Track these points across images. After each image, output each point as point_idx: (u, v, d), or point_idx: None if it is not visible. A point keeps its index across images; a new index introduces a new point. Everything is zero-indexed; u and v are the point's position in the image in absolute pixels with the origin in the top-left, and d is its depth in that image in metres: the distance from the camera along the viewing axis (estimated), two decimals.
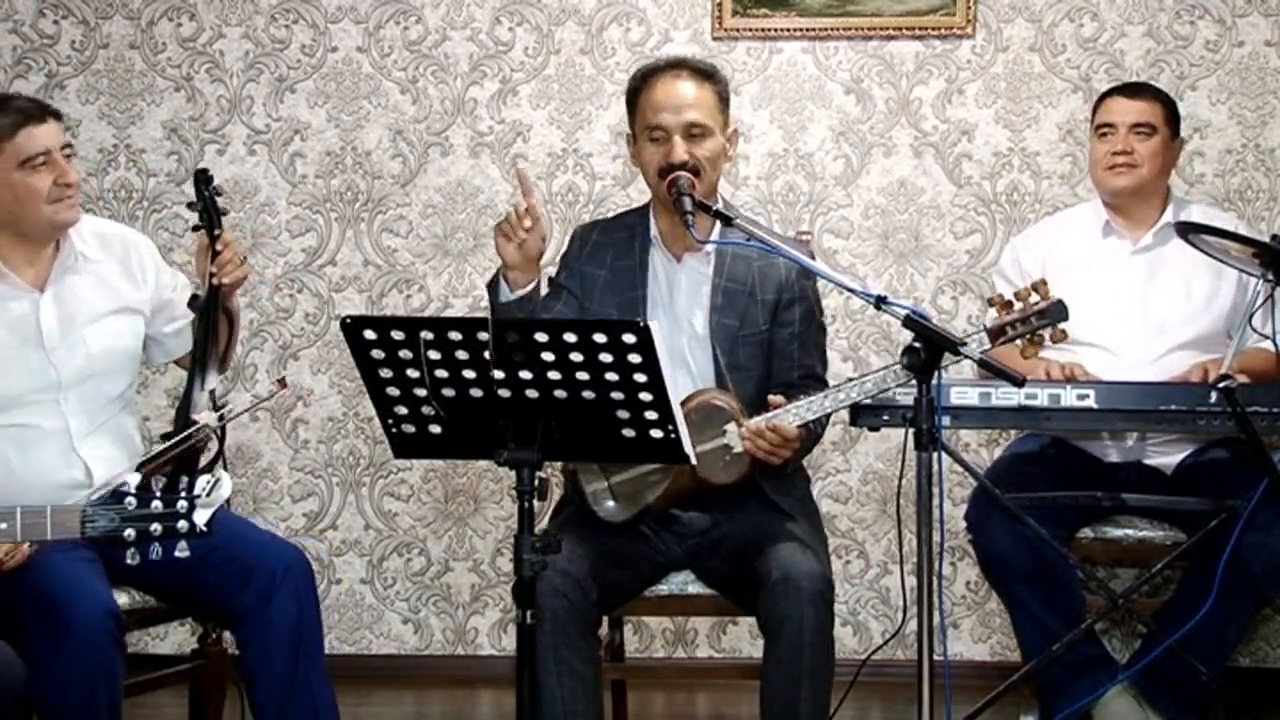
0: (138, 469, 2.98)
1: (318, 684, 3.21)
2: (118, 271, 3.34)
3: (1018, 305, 3.13)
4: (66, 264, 3.26)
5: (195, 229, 3.24)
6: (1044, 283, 3.14)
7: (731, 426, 3.23)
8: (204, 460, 3.18)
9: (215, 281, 3.17)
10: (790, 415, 3.20)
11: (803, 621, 3.08)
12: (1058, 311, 3.12)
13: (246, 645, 3.19)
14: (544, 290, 3.37)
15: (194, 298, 3.23)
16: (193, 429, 3.11)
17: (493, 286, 3.29)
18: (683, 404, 3.02)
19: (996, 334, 3.13)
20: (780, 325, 3.43)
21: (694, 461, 2.81)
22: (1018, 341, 3.13)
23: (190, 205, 3.24)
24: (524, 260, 3.22)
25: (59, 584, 2.95)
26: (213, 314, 3.19)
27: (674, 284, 3.43)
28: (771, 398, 3.25)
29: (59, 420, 3.20)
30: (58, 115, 3.22)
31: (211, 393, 3.23)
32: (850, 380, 3.22)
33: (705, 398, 3.27)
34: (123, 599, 3.18)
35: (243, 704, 3.30)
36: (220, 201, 3.24)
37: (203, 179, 3.20)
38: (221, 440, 3.22)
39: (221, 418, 3.18)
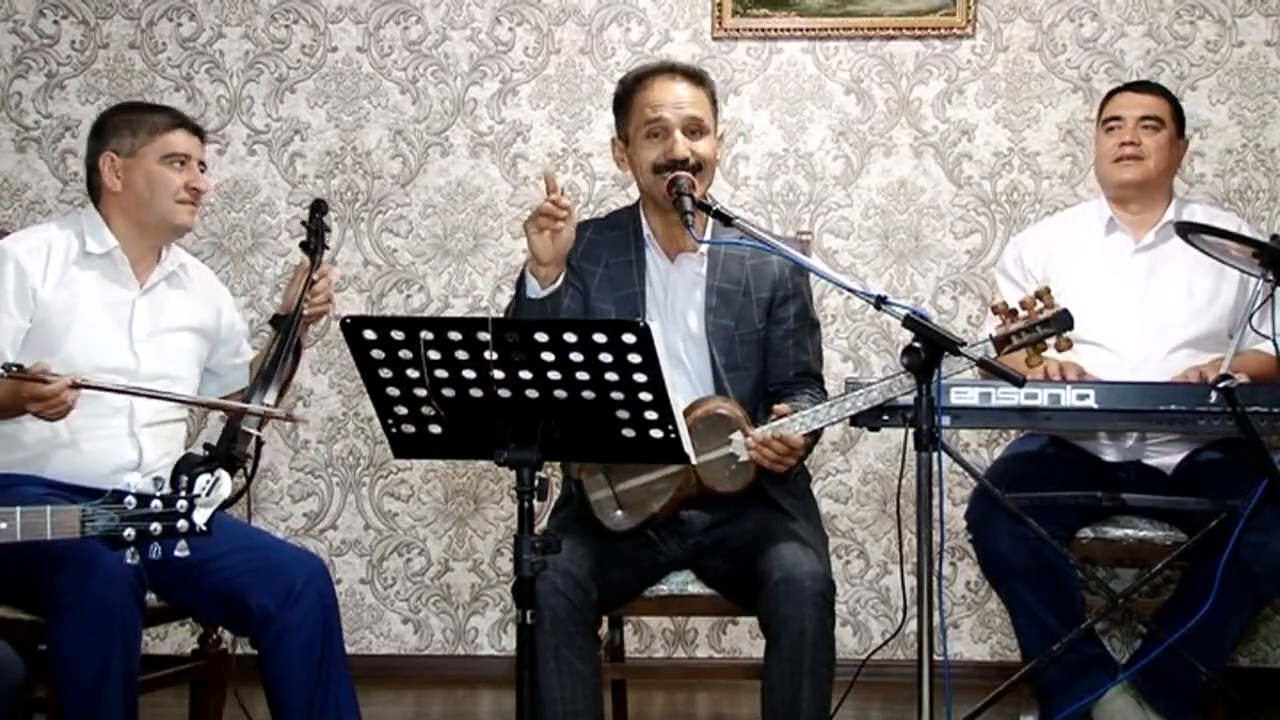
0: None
1: (344, 695, 3.21)
2: (200, 294, 3.55)
3: (1022, 314, 3.13)
4: (167, 269, 3.47)
5: (302, 245, 3.40)
6: (1048, 290, 3.14)
7: (737, 436, 3.23)
8: (243, 471, 3.22)
9: (306, 310, 3.35)
10: (796, 425, 3.20)
11: (804, 622, 3.08)
12: (1063, 320, 3.12)
13: (270, 652, 3.18)
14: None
15: (277, 317, 3.41)
16: (253, 411, 3.20)
17: (519, 285, 3.29)
18: (686, 413, 3.02)
19: (1002, 343, 3.14)
20: (775, 323, 3.43)
21: (694, 461, 2.81)
22: (1023, 350, 3.14)
23: (304, 223, 3.41)
24: (556, 254, 3.20)
25: (84, 540, 2.98)
26: (290, 335, 3.34)
27: (669, 284, 3.43)
28: (777, 407, 3.26)
29: (126, 403, 3.32)
30: (204, 138, 3.52)
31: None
32: (856, 390, 3.23)
33: (709, 407, 3.27)
34: None
35: (243, 707, 3.29)
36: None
37: (317, 208, 3.41)
38: (257, 455, 3.27)
39: (259, 437, 3.27)
